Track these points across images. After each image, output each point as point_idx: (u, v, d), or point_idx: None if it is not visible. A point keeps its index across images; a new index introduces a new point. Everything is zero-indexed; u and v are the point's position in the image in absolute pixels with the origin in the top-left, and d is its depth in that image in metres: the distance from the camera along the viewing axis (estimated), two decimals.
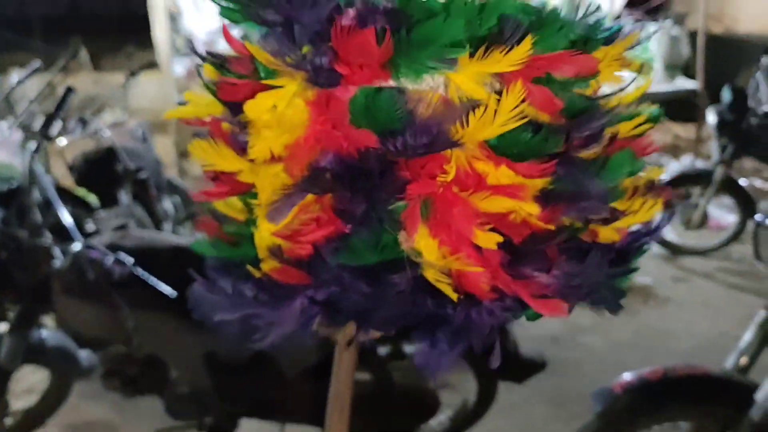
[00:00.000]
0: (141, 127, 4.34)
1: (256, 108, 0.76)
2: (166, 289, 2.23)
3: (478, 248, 0.75)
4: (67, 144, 3.91)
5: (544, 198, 0.74)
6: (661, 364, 2.02)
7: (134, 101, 5.26)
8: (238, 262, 0.86)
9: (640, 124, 0.82)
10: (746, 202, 4.51)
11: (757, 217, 2.25)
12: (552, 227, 0.75)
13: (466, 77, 0.72)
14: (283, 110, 0.75)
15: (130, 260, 2.26)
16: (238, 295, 0.85)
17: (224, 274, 0.87)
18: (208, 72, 0.85)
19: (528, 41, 0.72)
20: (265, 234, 0.79)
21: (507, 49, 0.72)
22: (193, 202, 4.52)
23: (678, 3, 7.07)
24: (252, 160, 0.79)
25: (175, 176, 5.07)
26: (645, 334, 3.62)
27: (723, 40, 6.84)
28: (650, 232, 0.84)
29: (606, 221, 0.79)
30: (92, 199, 3.59)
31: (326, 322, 0.83)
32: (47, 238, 2.51)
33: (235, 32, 0.86)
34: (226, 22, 0.83)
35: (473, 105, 0.73)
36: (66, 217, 2.63)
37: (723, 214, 4.93)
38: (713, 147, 4.58)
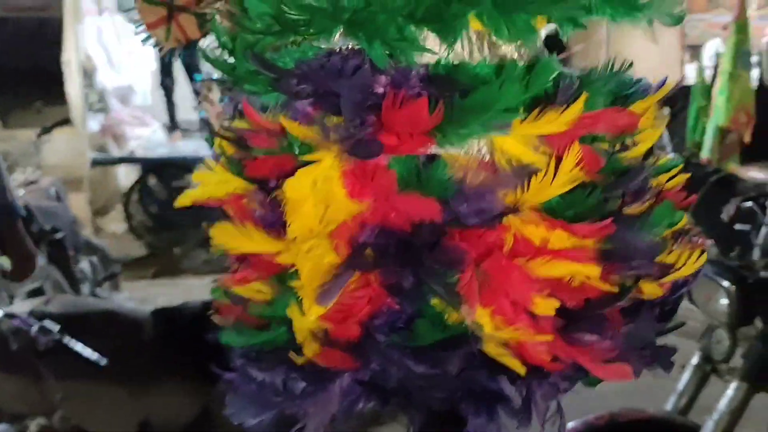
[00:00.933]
0: (54, 185, 4.16)
1: (297, 186, 0.72)
2: (96, 357, 2.11)
3: (533, 317, 0.72)
4: None
5: (598, 259, 0.72)
6: (601, 408, 2.05)
7: (46, 158, 5.05)
8: (272, 347, 0.79)
9: (675, 175, 0.82)
10: None
11: None
12: (609, 288, 0.74)
13: (515, 141, 0.71)
14: (321, 185, 0.72)
15: (55, 328, 2.13)
16: (272, 387, 0.78)
17: (254, 362, 0.80)
18: (223, 147, 0.80)
19: (581, 100, 0.72)
20: (309, 317, 0.74)
21: (563, 108, 0.71)
22: (112, 262, 4.34)
23: (578, 58, 7.49)
24: (288, 241, 0.74)
25: (91, 235, 4.86)
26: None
27: None
28: (686, 282, 0.82)
29: (657, 277, 0.77)
30: (4, 261, 3.37)
31: (370, 403, 0.77)
32: None
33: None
34: (245, 95, 0.79)
35: (525, 169, 0.72)
36: None
37: None
38: None
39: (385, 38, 0.69)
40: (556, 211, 0.72)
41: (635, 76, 0.81)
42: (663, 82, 0.80)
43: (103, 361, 2.13)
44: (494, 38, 0.74)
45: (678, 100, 6.23)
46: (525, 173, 0.71)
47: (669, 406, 2.24)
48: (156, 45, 1.28)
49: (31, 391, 2.17)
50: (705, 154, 5.36)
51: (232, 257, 0.80)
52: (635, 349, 0.76)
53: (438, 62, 0.73)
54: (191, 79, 6.12)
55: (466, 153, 0.72)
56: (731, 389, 2.12)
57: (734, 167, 5.34)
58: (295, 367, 0.76)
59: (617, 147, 0.77)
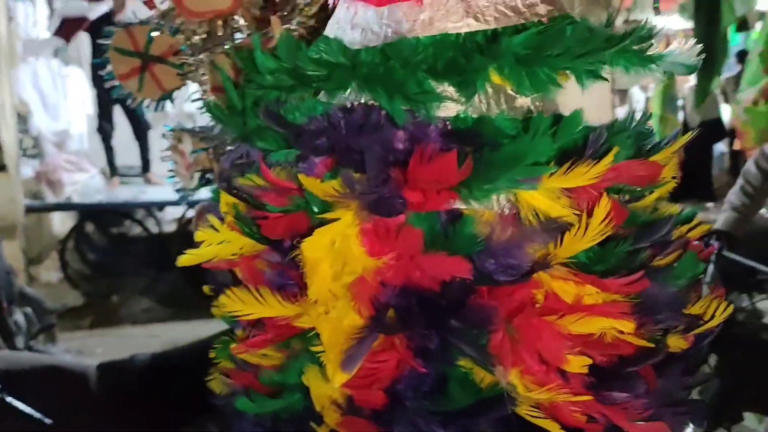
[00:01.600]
0: None
1: (314, 245, 0.70)
2: (39, 416, 1.99)
3: (563, 375, 0.70)
4: None
5: (631, 314, 0.71)
6: None
7: None
8: (288, 415, 0.76)
9: (695, 226, 0.82)
10: None
11: None
12: (644, 343, 0.72)
13: (541, 195, 0.70)
14: (339, 244, 0.70)
15: None
16: None
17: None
18: (231, 206, 0.77)
19: (613, 152, 0.71)
20: (335, 384, 0.71)
21: (594, 162, 0.70)
22: (47, 313, 4.15)
23: None
24: (306, 303, 0.72)
25: (26, 284, 4.65)
26: None
27: None
28: (710, 333, 0.81)
29: (686, 329, 0.77)
30: None
31: None
32: None
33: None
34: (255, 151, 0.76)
35: (553, 223, 0.70)
36: None
37: None
38: None
39: (406, 93, 0.69)
40: (585, 266, 0.71)
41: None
42: (675, 135, 0.81)
43: (47, 420, 2.01)
44: (510, 91, 0.74)
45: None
46: (553, 228, 0.70)
47: None
48: (128, 96, 1.25)
49: None
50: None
51: (243, 323, 0.77)
52: (668, 405, 0.75)
53: (458, 116, 0.72)
54: (138, 129, 5.99)
55: (489, 209, 0.71)
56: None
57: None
58: None
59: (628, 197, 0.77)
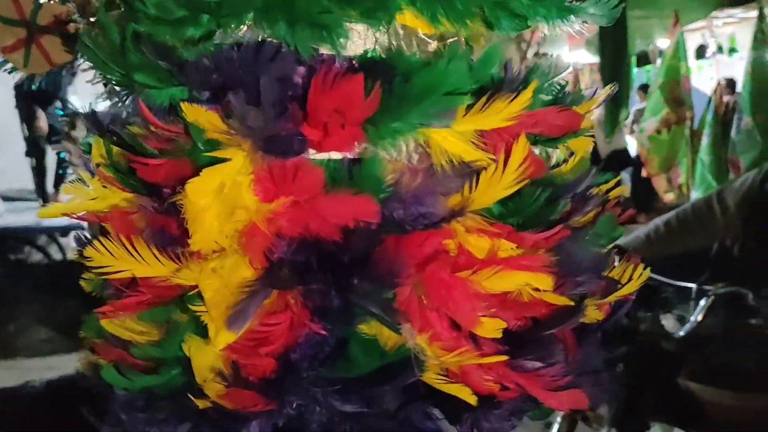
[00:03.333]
0: None
1: (200, 189, 0.59)
2: None
3: (474, 339, 0.62)
4: None
5: (551, 268, 0.63)
6: None
7: None
8: (161, 393, 0.65)
9: (615, 185, 0.76)
10: None
11: None
12: (564, 302, 0.65)
13: (455, 137, 0.62)
14: (229, 190, 0.59)
15: None
16: None
17: (141, 412, 0.65)
18: (101, 151, 0.67)
19: (531, 88, 0.64)
20: (217, 347, 0.61)
21: (512, 97, 0.63)
22: None
23: None
24: (188, 257, 0.61)
25: None
26: None
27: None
28: (622, 304, 0.74)
29: (604, 294, 0.70)
30: None
31: None
32: None
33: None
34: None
35: (467, 168, 0.63)
36: None
37: None
38: None
39: (306, 21, 0.60)
40: (500, 218, 0.64)
41: None
42: (595, 91, 0.75)
43: None
44: (423, 36, 0.67)
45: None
46: (468, 173, 0.63)
47: None
48: (12, 71, 1.13)
49: None
50: None
51: (113, 283, 0.67)
52: (587, 374, 0.67)
53: (365, 54, 0.64)
54: (44, 111, 5.61)
55: (397, 156, 0.63)
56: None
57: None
58: (194, 415, 0.63)
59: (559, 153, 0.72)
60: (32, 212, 6.02)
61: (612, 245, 0.74)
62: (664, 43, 6.85)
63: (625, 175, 8.89)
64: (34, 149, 6.02)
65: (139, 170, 0.63)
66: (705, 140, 5.87)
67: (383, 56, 0.64)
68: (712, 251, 2.77)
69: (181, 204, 0.61)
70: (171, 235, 0.63)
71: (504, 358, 0.63)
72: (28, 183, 6.33)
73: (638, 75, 9.48)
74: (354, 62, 0.64)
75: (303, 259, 0.61)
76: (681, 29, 6.09)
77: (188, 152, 0.63)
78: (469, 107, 0.63)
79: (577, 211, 0.68)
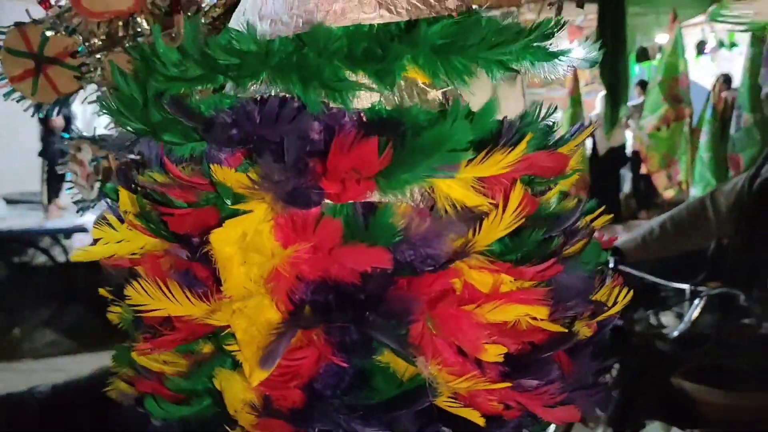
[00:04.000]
0: None
1: (224, 238, 0.66)
2: None
3: (479, 364, 0.69)
4: None
5: (545, 300, 0.71)
6: None
7: None
8: (199, 421, 0.72)
9: (598, 215, 0.82)
10: None
11: None
12: (558, 329, 0.72)
13: (458, 185, 0.69)
14: (252, 237, 0.66)
15: None
16: None
17: None
18: (128, 203, 0.73)
19: (526, 140, 0.71)
20: (252, 383, 0.67)
21: (508, 150, 0.70)
22: None
23: None
24: (220, 300, 0.68)
25: None
26: None
27: None
28: (610, 320, 0.82)
29: (592, 315, 0.77)
30: None
31: None
32: None
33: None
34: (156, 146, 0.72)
35: (470, 212, 0.70)
36: None
37: None
38: None
39: (321, 81, 0.67)
40: (500, 256, 0.71)
41: None
42: (579, 127, 0.82)
43: None
44: (422, 85, 0.73)
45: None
46: (470, 217, 0.70)
47: None
48: (20, 100, 1.18)
49: None
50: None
51: (148, 321, 0.72)
52: (579, 389, 0.75)
53: (373, 108, 0.71)
54: (48, 137, 5.69)
55: (405, 200, 0.70)
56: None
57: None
58: None
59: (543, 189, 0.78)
60: (36, 215, 6.08)
61: (599, 268, 0.81)
62: (663, 38, 6.88)
63: (625, 172, 8.95)
64: (48, 149, 6.07)
65: (169, 221, 0.69)
66: (704, 137, 5.90)
67: (391, 111, 0.71)
68: (709, 252, 2.81)
69: (210, 252, 0.67)
70: (198, 277, 0.69)
71: (508, 384, 0.70)
72: (31, 185, 6.39)
73: (639, 71, 9.51)
74: (363, 117, 0.70)
75: (323, 300, 0.67)
76: (679, 25, 6.12)
77: (212, 201, 0.69)
78: (471, 159, 0.69)
79: (568, 242, 0.75)
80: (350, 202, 0.68)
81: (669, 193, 6.81)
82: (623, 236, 2.75)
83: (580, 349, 0.77)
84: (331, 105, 0.70)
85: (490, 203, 0.71)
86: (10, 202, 6.22)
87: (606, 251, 0.83)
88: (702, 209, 2.51)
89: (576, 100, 7.10)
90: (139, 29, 1.04)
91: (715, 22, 5.34)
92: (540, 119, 0.77)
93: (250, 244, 0.67)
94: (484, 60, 0.72)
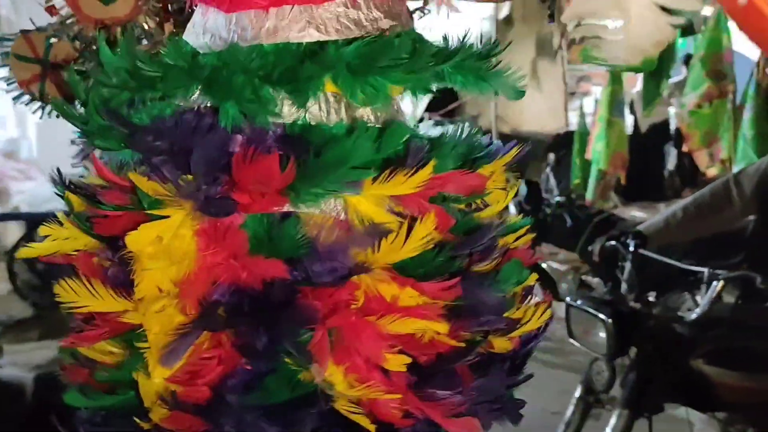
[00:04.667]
0: None
1: (138, 240, 0.72)
2: None
3: (385, 373, 0.73)
4: None
5: (447, 315, 0.75)
6: None
7: None
8: (119, 412, 0.78)
9: (521, 235, 0.87)
10: (550, 284, 4.94)
11: (567, 298, 2.47)
12: (457, 344, 0.76)
13: (367, 201, 0.74)
14: (169, 242, 0.72)
15: None
16: None
17: (99, 427, 0.78)
18: (73, 203, 0.79)
19: (431, 165, 0.75)
20: (155, 380, 0.73)
21: (411, 171, 0.74)
22: None
23: (469, 107, 7.79)
24: (136, 300, 0.74)
25: None
26: None
27: (510, 139, 7.54)
28: (536, 335, 0.86)
29: (505, 332, 0.81)
30: None
31: None
32: None
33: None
34: (97, 152, 0.79)
35: (377, 228, 0.74)
36: None
37: None
38: None
39: (239, 98, 0.72)
40: (406, 270, 0.75)
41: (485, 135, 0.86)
42: (511, 147, 0.85)
43: None
44: (350, 101, 0.77)
45: (562, 145, 6.60)
46: (377, 233, 0.74)
47: None
48: (29, 102, 1.26)
49: None
50: (588, 196, 5.69)
51: (77, 316, 0.78)
52: (485, 402, 0.79)
53: (294, 123, 0.75)
54: None
55: (321, 212, 0.75)
56: (613, 418, 2.24)
57: (608, 206, 5.69)
58: None
59: (472, 207, 0.82)
60: None
61: (520, 286, 0.85)
62: (708, 11, 6.66)
63: (670, 149, 8.74)
64: None
65: (96, 223, 0.76)
66: (747, 114, 5.70)
67: (303, 126, 0.75)
68: (746, 233, 2.76)
69: (130, 254, 0.73)
70: (124, 277, 0.75)
71: (398, 395, 0.74)
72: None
73: (686, 45, 9.23)
74: (276, 134, 0.75)
75: (235, 304, 0.72)
76: None
77: (138, 207, 0.75)
78: (376, 178, 0.74)
79: (482, 260, 0.80)
80: (264, 213, 0.73)
81: (712, 171, 6.63)
82: (650, 219, 2.73)
83: (495, 362, 0.81)
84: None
85: (400, 221, 0.75)
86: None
87: (527, 270, 0.86)
88: (725, 191, 2.47)
89: (616, 77, 6.95)
90: (140, 34, 1.10)
91: None
92: (461, 139, 0.81)
93: (166, 248, 0.72)
94: (402, 82, 0.76)
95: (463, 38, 0.78)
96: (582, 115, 6.74)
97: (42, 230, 0.80)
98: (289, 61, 0.73)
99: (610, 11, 4.99)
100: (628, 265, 2.43)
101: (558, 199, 5.06)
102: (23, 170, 5.90)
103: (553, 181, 5.45)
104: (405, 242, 0.73)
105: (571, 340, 2.43)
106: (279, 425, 0.73)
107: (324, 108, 0.76)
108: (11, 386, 2.38)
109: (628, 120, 7.19)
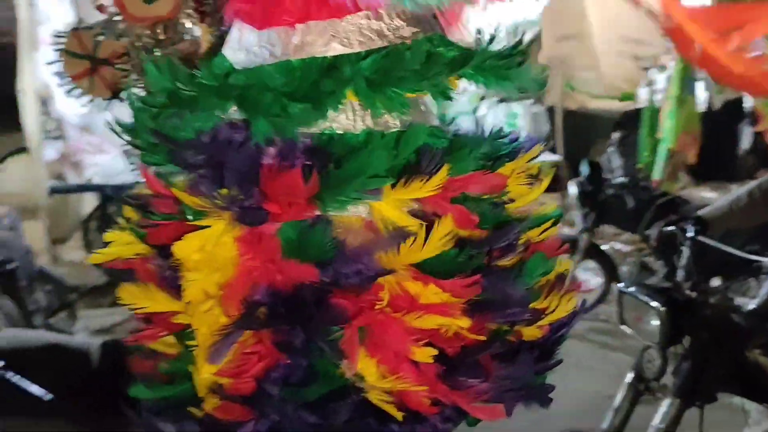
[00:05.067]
0: (9, 215, 4.13)
1: (184, 249, 0.79)
2: (41, 392, 2.10)
3: (415, 364, 0.79)
4: None
5: (471, 310, 0.80)
6: (543, 427, 2.11)
7: (2, 187, 5.00)
8: (176, 401, 0.86)
9: (546, 228, 0.90)
10: (609, 266, 4.85)
11: (620, 285, 2.44)
12: (482, 337, 0.81)
13: (389, 206, 0.78)
14: (212, 250, 0.78)
15: None
16: None
17: (163, 415, 0.86)
18: (129, 213, 0.87)
19: (444, 170, 0.80)
20: (205, 374, 0.81)
21: (426, 177, 0.79)
22: (68, 291, 4.31)
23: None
24: (185, 302, 0.82)
25: (48, 264, 4.82)
26: None
27: (577, 116, 7.40)
28: (567, 322, 0.91)
29: (530, 322, 0.86)
30: None
31: None
32: None
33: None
34: (147, 166, 0.86)
35: (399, 231, 0.79)
36: None
37: (590, 277, 5.26)
38: (576, 216, 4.92)
39: (267, 114, 0.77)
40: (428, 268, 0.79)
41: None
42: (533, 143, 0.87)
43: (48, 396, 2.12)
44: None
45: (628, 123, 6.41)
46: (400, 236, 0.79)
47: (605, 424, 2.32)
48: (81, 95, 1.34)
49: None
50: (656, 176, 5.53)
51: (138, 316, 0.86)
52: (511, 389, 0.83)
53: (321, 133, 0.80)
54: None
55: (348, 216, 0.80)
56: (664, 406, 2.21)
57: (677, 187, 5.53)
58: (198, 420, 0.83)
59: (501, 201, 0.85)
60: None
61: (546, 277, 0.88)
62: None
63: (745, 127, 8.36)
64: None
65: (148, 232, 0.83)
66: None
67: (327, 136, 0.80)
68: None
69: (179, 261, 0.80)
70: (175, 281, 0.83)
71: (425, 387, 0.79)
72: None
73: None
74: (304, 145, 0.80)
75: (273, 304, 0.79)
76: None
77: (184, 216, 0.83)
78: (396, 183, 0.79)
79: (504, 255, 0.84)
80: (296, 220, 0.78)
81: None
82: (712, 204, 2.65)
83: (523, 350, 0.85)
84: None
85: (421, 223, 0.80)
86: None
87: (552, 261, 0.88)
88: None
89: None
90: (183, 31, 1.14)
91: None
92: (481, 138, 0.83)
93: (210, 255, 0.78)
94: (421, 90, 0.79)
95: (491, 36, 0.80)
96: (652, 92, 6.52)
97: (106, 237, 0.88)
98: (314, 76, 0.78)
99: (579, 59, 5.17)
100: (686, 252, 2.37)
101: (620, 179, 4.93)
102: (97, 144, 6.14)
103: (616, 161, 5.30)
104: (425, 244, 0.77)
105: (623, 327, 2.40)
106: (317, 416, 0.79)
107: (351, 117, 0.80)
108: (78, 352, 2.52)
109: (702, 97, 6.92)
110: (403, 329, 0.78)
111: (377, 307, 0.78)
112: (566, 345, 3.30)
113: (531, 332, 0.86)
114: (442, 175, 0.79)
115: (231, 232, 0.78)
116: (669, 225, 2.49)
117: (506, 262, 0.84)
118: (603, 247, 4.98)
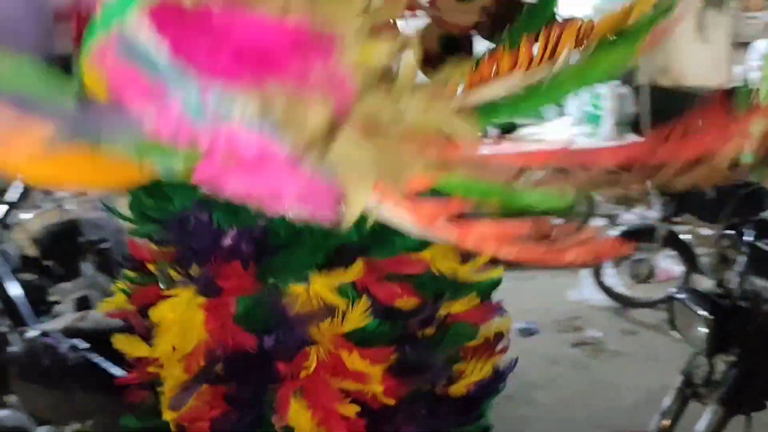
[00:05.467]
0: (103, 196, 4.44)
1: (159, 314, 0.98)
2: (121, 373, 2.32)
3: (345, 417, 0.92)
4: (31, 217, 4.00)
5: (392, 373, 0.92)
6: (607, 419, 2.16)
7: None
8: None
9: (473, 299, 1.03)
10: (688, 255, 4.72)
11: (672, 289, 2.42)
12: (396, 399, 0.94)
13: (321, 287, 0.91)
14: (181, 314, 0.95)
15: (84, 346, 2.36)
16: None
17: None
18: (126, 273, 1.05)
19: (359, 263, 0.93)
20: (168, 417, 1.00)
21: (345, 267, 0.93)
22: None
23: None
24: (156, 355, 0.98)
25: None
26: (594, 388, 3.76)
27: (670, 94, 7.08)
28: (497, 379, 1.06)
29: (449, 382, 1.00)
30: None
31: None
32: (2, 324, 2.62)
33: None
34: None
35: (328, 308, 0.92)
36: (21, 301, 2.74)
37: (670, 265, 5.13)
38: (656, 204, 4.80)
39: (224, 209, 0.93)
40: (352, 338, 0.92)
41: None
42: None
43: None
44: None
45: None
46: (328, 311, 0.92)
47: (652, 426, 2.34)
48: None
49: (62, 402, 2.40)
50: (746, 161, 5.28)
51: (129, 359, 1.08)
52: None
53: (265, 226, 0.95)
54: None
55: (291, 291, 0.94)
56: (709, 412, 2.21)
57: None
58: None
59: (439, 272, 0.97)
60: None
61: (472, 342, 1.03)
62: None
63: None
64: None
65: (131, 296, 1.04)
66: None
67: (269, 230, 0.94)
68: None
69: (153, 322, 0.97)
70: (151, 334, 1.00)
71: None
72: None
73: None
74: (251, 233, 0.94)
75: (232, 362, 0.94)
76: None
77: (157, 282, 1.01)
78: (323, 267, 0.93)
79: (421, 328, 0.96)
80: (246, 294, 0.91)
81: None
82: None
83: (445, 405, 0.99)
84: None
85: (346, 303, 0.95)
86: None
87: (472, 328, 0.98)
88: None
89: None
90: None
91: None
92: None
93: (184, 318, 0.94)
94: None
95: None
96: (747, 70, 6.19)
97: (115, 287, 1.06)
98: None
99: None
100: (740, 258, 2.33)
101: None
102: None
103: None
104: (342, 323, 0.92)
105: (673, 333, 2.40)
106: None
107: None
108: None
109: None
110: (331, 389, 0.91)
111: (303, 373, 0.92)
112: (642, 336, 3.28)
113: (456, 389, 1.00)
114: (357, 267, 0.92)
115: (197, 300, 0.96)
116: (729, 228, 2.44)
117: (428, 330, 0.96)
118: (684, 237, 4.85)
